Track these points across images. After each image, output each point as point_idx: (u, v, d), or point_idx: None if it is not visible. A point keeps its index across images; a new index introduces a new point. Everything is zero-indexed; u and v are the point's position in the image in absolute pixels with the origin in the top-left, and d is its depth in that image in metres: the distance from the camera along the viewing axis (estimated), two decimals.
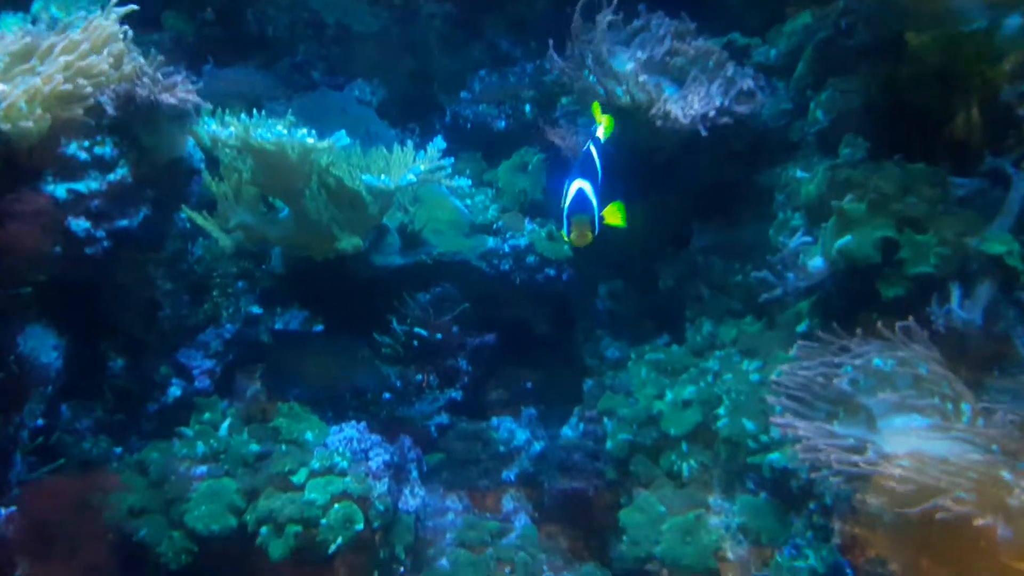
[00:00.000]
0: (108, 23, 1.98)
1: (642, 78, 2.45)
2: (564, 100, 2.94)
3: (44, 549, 1.73)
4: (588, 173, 1.81)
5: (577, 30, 2.50)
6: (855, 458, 1.53)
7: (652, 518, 2.16)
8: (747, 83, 2.50)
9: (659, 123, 2.40)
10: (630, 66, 2.54)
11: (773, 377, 1.81)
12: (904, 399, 1.64)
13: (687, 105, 2.41)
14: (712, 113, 2.38)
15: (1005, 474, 1.45)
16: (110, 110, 2.07)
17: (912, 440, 1.58)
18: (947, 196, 1.95)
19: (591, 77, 2.55)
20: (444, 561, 2.24)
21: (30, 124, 1.79)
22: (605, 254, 2.91)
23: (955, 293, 1.81)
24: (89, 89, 1.88)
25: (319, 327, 2.42)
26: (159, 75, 2.12)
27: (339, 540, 1.96)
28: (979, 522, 1.42)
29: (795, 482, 1.97)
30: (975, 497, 1.43)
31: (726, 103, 2.42)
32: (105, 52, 1.93)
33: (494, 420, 2.65)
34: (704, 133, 2.36)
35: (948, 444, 1.55)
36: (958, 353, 1.77)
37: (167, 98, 2.11)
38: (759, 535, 2.04)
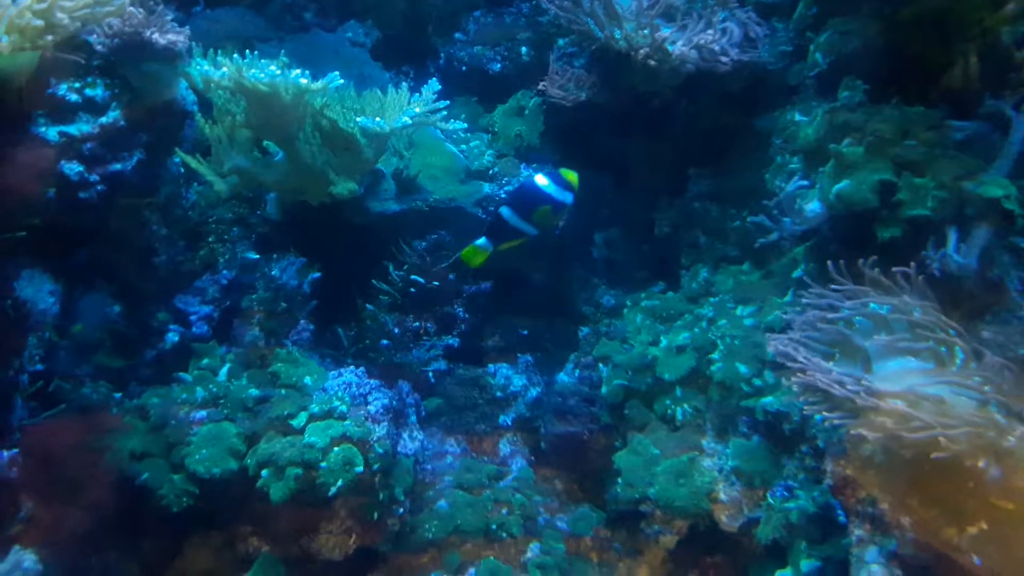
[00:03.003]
0: None
1: (641, 19, 2.41)
2: (561, 41, 2.89)
3: (47, 490, 1.75)
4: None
5: None
6: (853, 388, 1.54)
7: (646, 460, 2.19)
8: (754, 29, 2.47)
9: (655, 63, 2.37)
10: (630, 6, 2.49)
11: (769, 319, 1.82)
12: (899, 342, 1.65)
13: (691, 45, 2.38)
14: (720, 54, 2.36)
15: (997, 416, 1.47)
16: (99, 48, 2.03)
17: (907, 383, 1.60)
18: (945, 139, 1.93)
19: (589, 20, 2.51)
20: (443, 503, 2.27)
21: (5, 42, 1.74)
22: (601, 201, 2.91)
23: (951, 237, 1.81)
24: (67, 20, 1.82)
25: (316, 274, 2.42)
26: (145, 12, 2.07)
27: (339, 482, 1.99)
28: (970, 463, 1.44)
29: (787, 425, 2.00)
30: (967, 438, 1.45)
31: (735, 50, 2.39)
32: None
33: (491, 366, 2.67)
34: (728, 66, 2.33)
35: (942, 387, 1.57)
36: (952, 297, 1.78)
37: (157, 37, 2.07)
38: (752, 477, 2.07)
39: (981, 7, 1.99)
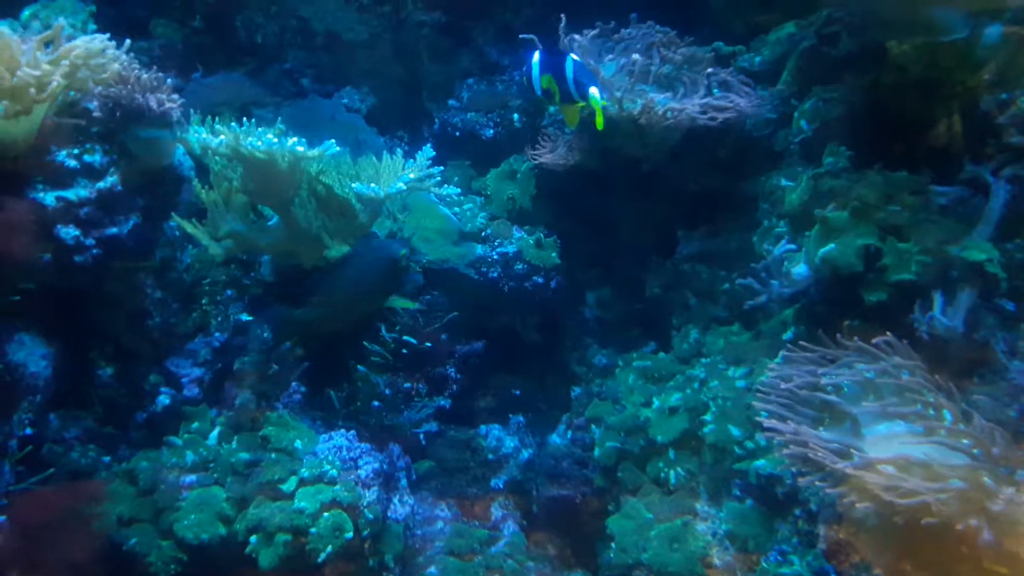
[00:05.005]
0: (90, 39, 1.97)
1: (629, 85, 2.47)
2: (552, 108, 2.96)
3: (34, 559, 1.72)
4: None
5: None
6: (841, 463, 1.55)
7: (640, 525, 2.17)
8: (742, 89, 2.54)
9: (650, 126, 2.43)
10: (616, 74, 2.56)
11: (759, 383, 1.83)
12: (887, 406, 1.66)
13: (684, 105, 2.44)
14: (710, 108, 2.41)
15: (987, 479, 1.48)
16: (97, 115, 2.07)
17: (896, 446, 1.60)
18: (928, 204, 1.98)
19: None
20: (433, 569, 2.24)
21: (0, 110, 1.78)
22: (593, 261, 2.94)
23: (938, 300, 1.84)
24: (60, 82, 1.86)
25: None
26: (144, 78, 2.12)
27: (329, 548, 1.97)
28: (961, 527, 1.44)
29: (780, 488, 1.99)
30: (958, 502, 1.45)
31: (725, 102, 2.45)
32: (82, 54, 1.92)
33: (482, 428, 2.65)
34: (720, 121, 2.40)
35: (931, 450, 1.57)
36: (940, 359, 1.80)
37: (153, 104, 2.11)
38: (746, 541, 2.05)
39: (963, 69, 2.06)
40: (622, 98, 2.44)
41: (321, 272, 2.32)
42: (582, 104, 2.05)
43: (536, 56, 2.11)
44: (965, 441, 1.55)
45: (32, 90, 1.82)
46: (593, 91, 2.00)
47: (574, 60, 2.03)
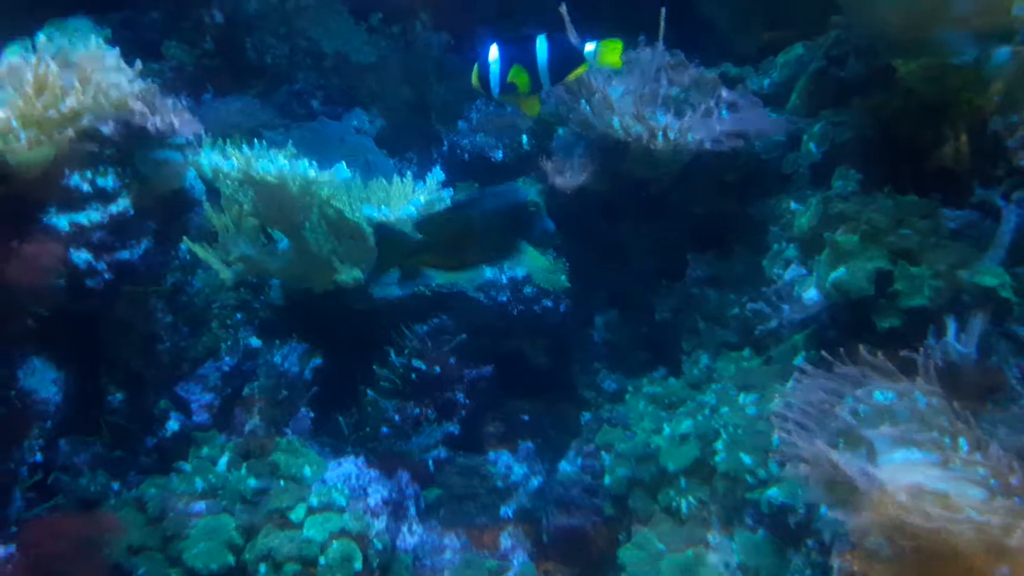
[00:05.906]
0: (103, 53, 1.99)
1: (638, 109, 2.48)
2: (560, 130, 2.97)
3: None
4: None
5: None
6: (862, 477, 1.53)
7: (651, 556, 2.14)
8: (757, 112, 2.54)
9: (659, 149, 2.43)
10: (625, 96, 2.57)
11: (772, 407, 1.82)
12: (904, 433, 1.65)
13: (691, 129, 2.43)
14: (719, 133, 2.41)
15: (1003, 512, 1.46)
16: (111, 138, 2.08)
17: (912, 475, 1.59)
18: (939, 228, 1.97)
19: (587, 108, 2.58)
20: None
21: (23, 140, 1.80)
22: (600, 284, 2.94)
23: (951, 327, 1.82)
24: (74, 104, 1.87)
25: (318, 360, 2.42)
26: (156, 102, 2.13)
27: None
28: (977, 560, 1.42)
29: (793, 518, 1.97)
30: (973, 533, 1.43)
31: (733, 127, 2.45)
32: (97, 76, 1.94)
33: (491, 454, 2.62)
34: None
35: (947, 479, 1.56)
36: (953, 386, 1.78)
37: (166, 127, 2.12)
38: (758, 572, 2.02)
39: (972, 91, 2.05)
40: (631, 122, 2.44)
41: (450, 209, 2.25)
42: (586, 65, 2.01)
43: (494, 51, 2.03)
44: (981, 471, 1.54)
45: (56, 117, 1.83)
46: (589, 47, 1.92)
47: (547, 37, 1.95)
